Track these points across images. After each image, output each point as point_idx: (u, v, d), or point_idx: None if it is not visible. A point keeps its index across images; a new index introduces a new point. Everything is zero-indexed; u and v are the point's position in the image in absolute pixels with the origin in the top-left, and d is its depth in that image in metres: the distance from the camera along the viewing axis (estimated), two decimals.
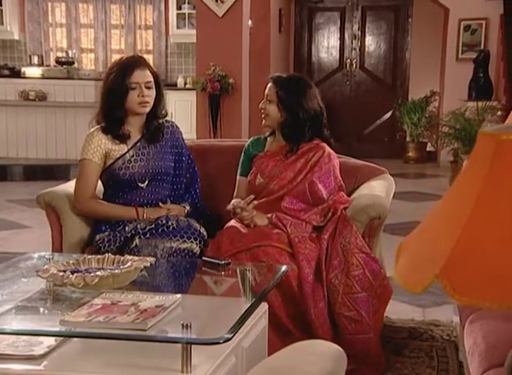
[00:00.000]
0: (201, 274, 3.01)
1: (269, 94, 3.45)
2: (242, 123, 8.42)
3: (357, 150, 9.51)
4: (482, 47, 10.25)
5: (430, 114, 10.93)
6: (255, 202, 3.32)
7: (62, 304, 2.51)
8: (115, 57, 11.47)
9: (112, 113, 3.37)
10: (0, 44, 11.39)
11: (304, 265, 3.09)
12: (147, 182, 3.39)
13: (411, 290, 1.12)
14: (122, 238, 3.23)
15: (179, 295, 2.38)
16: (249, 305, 2.39)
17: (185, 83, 10.78)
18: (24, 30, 11.50)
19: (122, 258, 2.66)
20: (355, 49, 11.78)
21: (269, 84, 3.47)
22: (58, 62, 10.53)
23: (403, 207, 7.10)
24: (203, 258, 3.00)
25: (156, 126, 3.48)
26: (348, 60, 11.81)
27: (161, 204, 3.38)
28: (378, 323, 3.19)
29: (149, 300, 2.32)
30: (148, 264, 2.54)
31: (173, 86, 10.42)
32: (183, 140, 3.62)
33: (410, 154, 10.98)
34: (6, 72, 10.47)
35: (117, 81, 3.32)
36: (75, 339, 2.25)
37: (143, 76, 3.35)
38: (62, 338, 2.22)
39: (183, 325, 2.03)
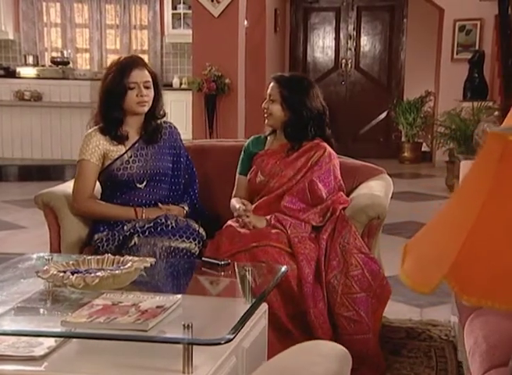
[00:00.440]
0: (201, 274, 3.00)
1: (272, 94, 3.44)
2: (238, 123, 8.42)
3: (353, 150, 9.49)
4: (477, 47, 10.28)
5: (425, 114, 10.95)
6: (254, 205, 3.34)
7: (62, 305, 2.50)
8: (111, 57, 11.49)
9: (110, 114, 3.37)
10: None
11: (304, 265, 3.09)
12: (145, 183, 3.39)
13: (419, 290, 1.12)
14: (121, 237, 3.22)
15: (179, 296, 2.38)
16: (250, 305, 2.39)
17: (180, 84, 10.78)
18: (19, 30, 11.49)
19: (121, 258, 2.65)
20: (350, 49, 11.79)
21: (272, 84, 3.47)
22: (54, 62, 10.51)
23: (399, 207, 7.11)
24: (202, 258, 3.00)
25: (154, 127, 3.48)
26: (343, 60, 11.82)
27: (160, 204, 3.38)
28: (377, 323, 3.19)
29: (149, 300, 2.31)
30: (148, 265, 2.54)
31: (169, 86, 10.41)
32: (181, 141, 3.62)
33: (405, 154, 11.00)
34: (1, 72, 10.45)
35: (115, 81, 3.32)
36: (75, 340, 2.24)
37: (141, 76, 3.35)
38: (62, 339, 2.21)
39: (184, 325, 2.03)
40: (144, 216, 3.30)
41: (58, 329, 2.15)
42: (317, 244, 3.17)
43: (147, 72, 3.38)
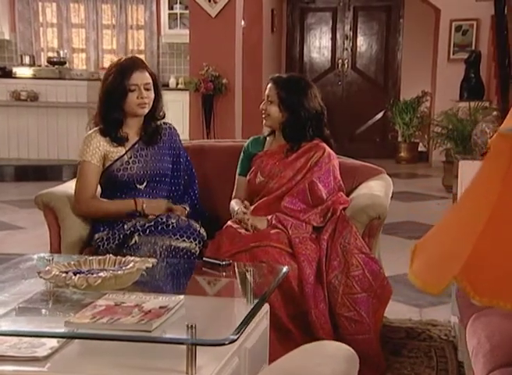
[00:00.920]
0: (202, 275, 3.00)
1: (270, 95, 3.45)
2: (235, 123, 8.42)
3: (349, 150, 9.47)
4: (473, 47, 10.30)
5: (422, 114, 10.97)
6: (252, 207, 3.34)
7: (63, 305, 2.50)
8: (107, 57, 11.48)
9: (110, 115, 3.36)
10: None
11: (305, 265, 3.09)
12: (145, 183, 3.39)
13: (428, 291, 1.12)
14: (121, 236, 3.22)
15: (182, 296, 2.38)
16: (252, 305, 2.38)
17: (177, 84, 10.77)
18: (15, 30, 11.46)
19: (123, 259, 2.65)
20: (347, 49, 11.80)
21: (269, 85, 3.47)
22: (50, 62, 10.49)
23: (396, 207, 7.09)
24: (204, 258, 2.99)
25: (154, 128, 3.48)
26: (340, 60, 11.83)
27: (166, 200, 3.37)
28: (378, 323, 3.19)
29: (152, 301, 2.31)
30: (150, 265, 2.54)
31: (165, 86, 10.39)
32: (180, 141, 3.62)
33: (401, 154, 11.01)
34: None
35: (116, 83, 3.31)
36: (77, 341, 2.24)
37: (142, 78, 3.34)
38: (64, 340, 2.21)
39: (187, 326, 2.02)
40: (144, 206, 3.29)
41: (62, 329, 2.15)
42: (318, 245, 3.17)
43: (147, 74, 3.38)
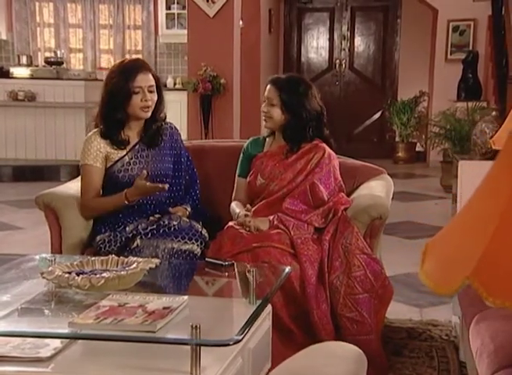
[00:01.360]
0: (205, 275, 2.99)
1: (271, 98, 3.43)
2: (233, 123, 8.41)
3: (347, 150, 9.46)
4: (471, 48, 10.31)
5: (419, 114, 10.99)
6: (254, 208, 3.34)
7: (66, 306, 2.50)
8: (104, 57, 11.47)
9: (112, 117, 3.34)
10: None
11: (307, 266, 3.08)
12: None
13: (441, 291, 1.12)
14: (123, 238, 3.21)
15: (186, 297, 2.38)
16: (255, 306, 2.38)
17: (174, 84, 10.77)
18: (12, 30, 11.44)
19: (125, 259, 2.64)
20: (344, 50, 11.81)
21: (269, 87, 3.45)
22: (47, 62, 10.47)
23: (394, 207, 7.05)
24: (206, 259, 2.99)
25: (155, 130, 3.46)
26: (337, 61, 11.83)
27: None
28: (380, 323, 3.18)
29: (156, 301, 2.31)
30: (154, 265, 2.53)
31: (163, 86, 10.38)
32: (181, 141, 3.61)
33: (399, 154, 11.02)
34: None
35: (120, 84, 3.29)
36: (81, 341, 2.24)
37: (146, 80, 3.33)
38: (68, 340, 2.21)
39: (192, 326, 2.02)
40: (127, 195, 3.27)
41: (66, 330, 2.14)
42: (319, 246, 3.17)
43: (151, 76, 3.37)
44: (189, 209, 3.45)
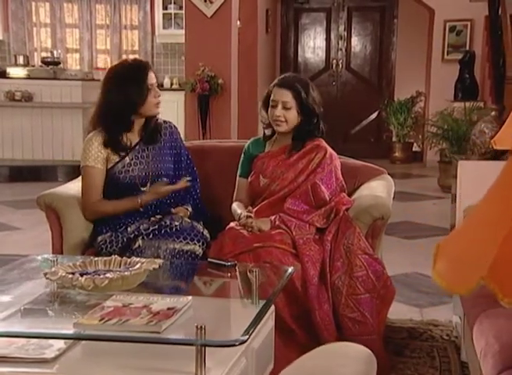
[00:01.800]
0: (207, 276, 2.99)
1: (286, 101, 3.37)
2: (231, 123, 8.41)
3: (344, 150, 9.48)
4: (468, 48, 10.33)
5: (416, 114, 11.00)
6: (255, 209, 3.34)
7: (69, 306, 2.50)
8: (101, 57, 11.46)
9: (120, 121, 3.33)
10: None
11: (309, 266, 3.08)
12: (148, 185, 3.37)
13: (455, 291, 1.12)
14: (125, 239, 3.21)
15: (190, 297, 2.37)
16: (259, 307, 2.38)
17: (171, 84, 10.75)
18: (8, 30, 11.42)
19: (128, 260, 2.64)
20: (341, 50, 11.82)
21: (282, 91, 3.39)
22: (44, 62, 10.46)
23: (392, 207, 7.11)
24: (208, 259, 2.99)
25: (154, 127, 3.46)
26: (334, 61, 11.84)
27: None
28: (382, 324, 3.18)
29: (160, 302, 2.30)
30: (157, 266, 2.53)
31: (159, 87, 10.36)
32: (181, 140, 3.61)
33: (396, 154, 11.04)
34: None
35: (138, 85, 3.29)
36: (85, 342, 2.23)
37: (153, 77, 3.39)
38: (71, 341, 2.20)
39: (197, 327, 2.02)
40: (141, 201, 3.30)
41: (70, 331, 2.14)
42: (321, 246, 3.17)
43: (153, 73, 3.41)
44: (190, 210, 3.45)
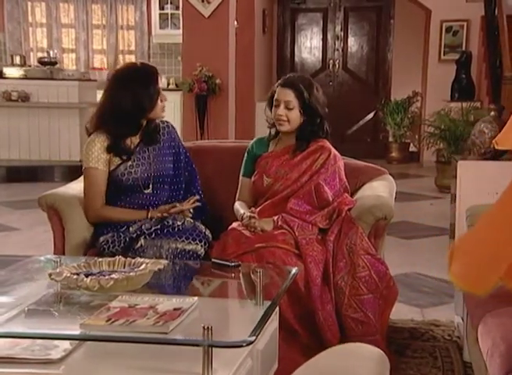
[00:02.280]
0: (211, 276, 2.98)
1: (288, 101, 3.38)
2: (229, 123, 8.41)
3: (340, 150, 9.48)
4: (464, 48, 10.35)
5: (412, 115, 11.01)
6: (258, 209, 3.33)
7: (73, 307, 2.49)
8: (97, 57, 11.45)
9: (130, 124, 3.32)
10: None
11: (312, 267, 3.08)
12: (150, 187, 3.37)
13: (474, 292, 1.12)
14: (127, 239, 3.20)
15: (196, 298, 2.37)
16: (265, 307, 2.37)
17: (168, 84, 10.74)
18: (4, 30, 11.40)
19: (132, 260, 2.63)
20: (338, 50, 11.83)
21: (285, 90, 3.40)
22: (41, 62, 10.43)
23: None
24: (212, 259, 2.98)
25: (153, 127, 3.46)
26: (331, 61, 11.85)
27: (177, 204, 3.35)
28: (385, 324, 3.18)
29: (166, 303, 2.30)
30: (162, 266, 2.52)
31: None
32: (179, 139, 3.61)
33: (393, 154, 11.05)
34: None
35: (148, 89, 3.30)
36: (90, 343, 2.22)
37: (161, 82, 3.41)
38: (77, 342, 2.20)
39: (204, 328, 2.01)
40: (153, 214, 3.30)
41: (78, 331, 2.13)
42: (324, 246, 3.16)
43: None
44: (197, 198, 3.43)
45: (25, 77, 9.88)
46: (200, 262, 3.12)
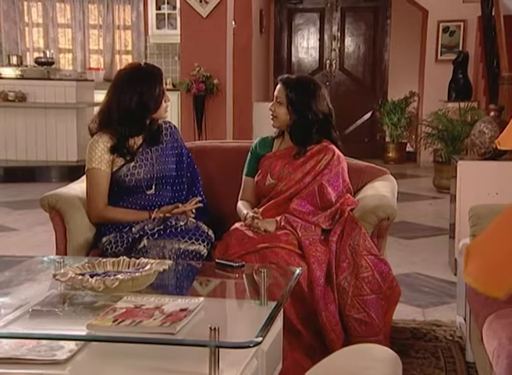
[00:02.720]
0: (215, 276, 2.98)
1: (279, 96, 3.43)
2: (226, 123, 8.40)
3: None
4: (461, 48, 10.36)
5: (409, 115, 11.02)
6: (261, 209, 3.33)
7: (77, 307, 2.49)
8: (94, 57, 11.43)
9: (136, 124, 3.32)
10: None
11: (316, 267, 3.07)
12: (153, 188, 3.36)
13: (491, 294, 1.11)
14: (130, 239, 3.19)
15: (201, 298, 2.36)
16: (271, 308, 2.37)
17: (165, 84, 10.72)
18: (0, 30, 11.37)
19: (137, 261, 2.63)
20: (335, 50, 11.83)
21: (279, 86, 3.46)
22: (38, 62, 10.41)
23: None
24: (216, 260, 2.97)
25: (156, 128, 3.46)
26: (328, 61, 11.85)
27: (180, 205, 3.34)
28: (388, 325, 3.18)
29: (172, 303, 2.29)
30: (167, 267, 2.52)
31: None
32: (181, 139, 3.60)
33: (390, 154, 11.05)
34: None
35: (153, 90, 3.30)
36: (96, 343, 2.22)
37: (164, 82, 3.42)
38: (82, 343, 2.19)
39: (210, 328, 2.01)
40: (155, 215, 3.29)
41: (84, 332, 2.12)
42: (327, 247, 3.16)
43: None
44: (200, 199, 3.42)
45: (22, 77, 9.86)
46: (203, 262, 3.12)
